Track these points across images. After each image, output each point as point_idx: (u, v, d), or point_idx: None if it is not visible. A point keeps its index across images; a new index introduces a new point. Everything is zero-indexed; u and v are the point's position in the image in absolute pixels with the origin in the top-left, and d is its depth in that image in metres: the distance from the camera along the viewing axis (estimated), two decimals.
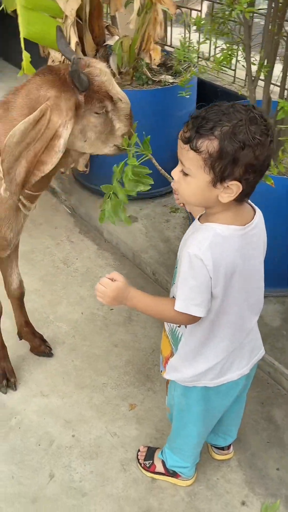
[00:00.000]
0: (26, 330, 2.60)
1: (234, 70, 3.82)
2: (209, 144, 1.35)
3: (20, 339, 2.64)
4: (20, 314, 2.56)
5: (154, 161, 1.85)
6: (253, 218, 1.52)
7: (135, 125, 1.90)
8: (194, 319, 1.55)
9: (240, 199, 1.45)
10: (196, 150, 1.36)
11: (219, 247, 1.45)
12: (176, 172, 1.48)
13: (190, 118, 1.41)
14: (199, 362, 1.70)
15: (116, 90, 1.76)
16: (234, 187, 1.38)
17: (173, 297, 1.66)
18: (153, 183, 1.84)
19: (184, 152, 1.40)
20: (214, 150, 1.34)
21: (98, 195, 3.73)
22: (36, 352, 2.62)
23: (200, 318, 1.54)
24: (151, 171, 1.81)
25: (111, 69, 3.35)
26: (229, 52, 2.29)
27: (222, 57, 2.24)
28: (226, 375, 1.74)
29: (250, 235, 1.50)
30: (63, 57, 1.85)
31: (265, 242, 1.60)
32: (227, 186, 1.38)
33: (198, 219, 1.56)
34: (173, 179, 1.51)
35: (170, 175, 1.54)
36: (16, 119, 1.76)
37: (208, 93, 3.96)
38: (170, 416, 2.03)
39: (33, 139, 1.71)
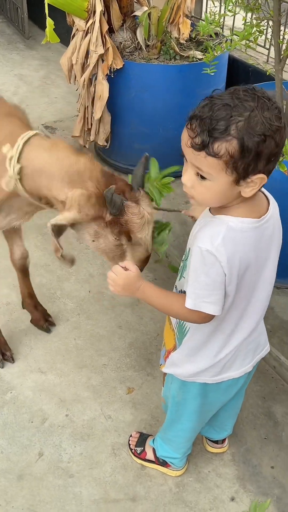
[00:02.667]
0: (28, 301, 2.59)
1: (268, 48, 3.65)
2: (229, 146, 1.21)
3: (23, 308, 2.64)
4: (24, 285, 2.55)
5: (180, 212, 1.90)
6: (267, 208, 1.42)
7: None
8: (207, 317, 1.45)
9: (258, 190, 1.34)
10: (215, 155, 1.23)
11: (233, 241, 1.34)
12: (189, 178, 1.33)
13: (192, 119, 1.25)
14: (202, 358, 1.63)
15: (142, 236, 1.71)
16: (259, 180, 1.28)
17: (181, 291, 1.59)
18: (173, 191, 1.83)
19: (200, 158, 1.26)
20: (235, 150, 1.21)
21: (119, 171, 3.65)
22: (35, 324, 2.62)
23: (214, 316, 1.45)
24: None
25: (140, 43, 3.23)
26: (255, 28, 2.15)
27: (246, 32, 2.11)
28: (228, 373, 1.67)
29: (264, 227, 1.40)
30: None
31: (280, 233, 1.49)
32: (251, 180, 1.27)
33: (209, 209, 1.46)
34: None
35: None
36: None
37: (239, 72, 3.82)
38: (165, 406, 1.98)
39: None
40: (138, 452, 2.06)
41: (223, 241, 1.33)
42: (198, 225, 1.47)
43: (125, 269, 1.52)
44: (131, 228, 1.70)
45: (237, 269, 1.38)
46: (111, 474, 2.02)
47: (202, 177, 1.30)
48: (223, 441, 2.09)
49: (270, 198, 1.46)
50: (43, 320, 2.59)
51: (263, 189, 1.45)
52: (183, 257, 1.61)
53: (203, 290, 1.39)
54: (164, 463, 2.01)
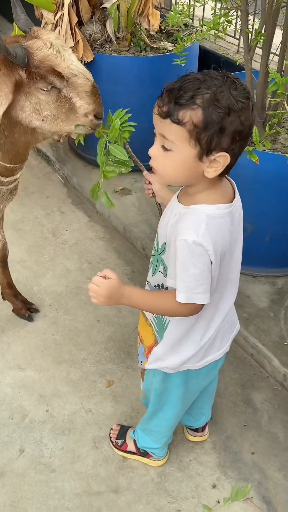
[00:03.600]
0: (8, 292, 2.59)
1: (238, 39, 3.66)
2: (193, 114, 1.24)
3: (3, 299, 2.63)
4: (3, 276, 2.54)
5: (128, 147, 1.73)
6: (234, 192, 1.44)
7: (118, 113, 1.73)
8: (199, 308, 1.45)
9: (224, 173, 1.35)
10: (179, 122, 1.25)
11: (214, 229, 1.35)
12: (154, 150, 1.35)
13: (163, 91, 1.29)
14: (187, 346, 1.62)
15: (67, 64, 1.60)
16: (222, 159, 1.28)
17: (157, 286, 1.59)
18: (133, 165, 1.74)
19: (165, 127, 1.28)
20: (199, 120, 1.24)
21: (93, 165, 3.64)
22: (17, 314, 2.62)
23: (203, 306, 1.45)
24: (128, 157, 1.71)
25: (107, 35, 3.22)
26: (223, 18, 2.16)
27: (214, 22, 2.11)
28: (209, 356, 1.68)
29: (234, 210, 1.42)
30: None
31: (241, 214, 1.50)
32: (214, 159, 1.28)
33: (178, 200, 1.45)
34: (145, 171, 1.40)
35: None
36: None
37: (210, 62, 3.82)
38: (144, 400, 1.98)
39: None
40: (119, 444, 2.06)
41: (206, 230, 1.33)
42: (171, 218, 1.45)
43: (105, 278, 1.47)
44: (50, 64, 1.59)
45: (219, 255, 1.39)
46: (93, 467, 2.03)
47: (166, 149, 1.32)
48: (203, 429, 2.10)
49: (232, 182, 1.47)
50: (25, 309, 2.60)
51: None
52: (153, 251, 1.60)
53: (194, 282, 1.39)
54: (145, 454, 2.02)
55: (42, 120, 1.68)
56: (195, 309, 1.45)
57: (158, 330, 1.66)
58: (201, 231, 1.33)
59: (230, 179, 1.48)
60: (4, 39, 1.57)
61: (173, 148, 1.30)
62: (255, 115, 1.30)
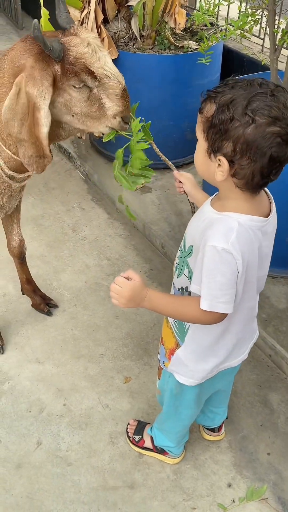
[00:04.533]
0: (27, 287, 2.61)
1: (263, 39, 3.65)
2: (209, 108, 1.31)
3: (23, 294, 2.67)
4: (22, 272, 2.57)
5: (155, 148, 1.72)
6: (270, 207, 1.43)
7: (135, 106, 1.75)
8: (221, 317, 1.44)
9: (251, 188, 1.34)
10: (200, 111, 1.34)
11: (244, 239, 1.34)
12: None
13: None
14: (210, 358, 1.63)
15: (101, 65, 1.62)
16: (222, 164, 1.30)
17: (181, 289, 1.59)
18: (154, 174, 1.74)
19: (198, 119, 1.37)
20: (210, 115, 1.30)
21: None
22: (36, 309, 2.65)
23: (226, 315, 1.44)
24: (151, 162, 1.70)
25: (132, 33, 3.22)
26: (250, 17, 2.15)
27: (241, 21, 2.11)
28: (227, 362, 1.69)
29: (268, 226, 1.41)
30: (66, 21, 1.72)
31: (275, 230, 1.49)
32: (219, 159, 1.30)
33: (211, 205, 1.44)
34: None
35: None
36: (5, 85, 1.71)
37: (234, 62, 3.81)
38: (160, 398, 1.99)
39: (23, 114, 1.64)
40: (137, 440, 2.07)
41: (237, 238, 1.33)
42: (202, 222, 1.44)
43: (128, 279, 1.46)
44: (85, 62, 1.60)
45: (246, 268, 1.38)
46: (109, 462, 2.04)
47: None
48: (219, 428, 2.11)
49: (270, 195, 1.47)
50: (43, 304, 2.63)
51: (265, 189, 1.46)
52: (179, 253, 1.59)
53: (219, 290, 1.37)
54: (162, 451, 2.03)
55: (72, 116, 1.70)
56: (217, 318, 1.44)
57: (179, 333, 1.66)
58: (231, 239, 1.32)
59: (269, 194, 1.46)
60: (44, 32, 1.59)
61: (198, 139, 1.37)
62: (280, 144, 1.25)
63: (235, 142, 1.26)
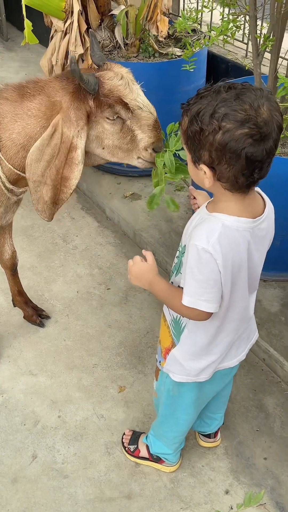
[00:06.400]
0: (19, 299, 2.60)
1: (247, 43, 3.67)
2: (184, 121, 1.34)
3: (14, 306, 2.65)
4: (13, 283, 2.56)
5: (186, 184, 1.80)
6: (263, 210, 1.44)
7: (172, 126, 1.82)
8: (205, 315, 1.46)
9: (239, 189, 1.34)
10: (179, 124, 1.38)
11: (228, 240, 1.36)
12: None
13: None
14: (205, 357, 1.64)
15: (134, 97, 1.67)
16: (206, 171, 1.33)
17: (178, 287, 1.60)
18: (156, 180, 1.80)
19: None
20: (185, 127, 1.34)
21: (102, 171, 3.66)
22: (28, 320, 2.64)
23: (211, 314, 1.46)
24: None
25: (115, 42, 3.24)
26: (231, 23, 2.16)
27: (223, 27, 2.12)
28: (224, 363, 1.70)
29: (258, 228, 1.41)
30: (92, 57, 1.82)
31: (272, 235, 1.51)
32: (201, 168, 1.34)
33: (206, 206, 1.47)
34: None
35: None
36: (30, 110, 1.73)
37: (218, 67, 3.83)
38: (156, 401, 1.98)
39: (51, 155, 1.69)
40: (132, 450, 2.06)
41: (218, 239, 1.35)
42: (194, 221, 1.48)
43: (144, 259, 1.56)
44: (119, 94, 1.66)
45: (230, 268, 1.39)
46: (105, 473, 2.03)
47: None
48: (215, 434, 2.10)
49: (266, 200, 1.47)
50: (36, 315, 2.62)
51: (259, 190, 1.47)
52: (178, 253, 1.62)
53: (199, 288, 1.41)
54: (158, 460, 2.02)
55: (103, 148, 1.75)
56: (201, 315, 1.46)
57: (175, 332, 1.68)
58: (213, 239, 1.35)
59: (266, 199, 1.47)
60: (80, 68, 1.66)
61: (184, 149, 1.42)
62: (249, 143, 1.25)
63: (209, 150, 1.29)
